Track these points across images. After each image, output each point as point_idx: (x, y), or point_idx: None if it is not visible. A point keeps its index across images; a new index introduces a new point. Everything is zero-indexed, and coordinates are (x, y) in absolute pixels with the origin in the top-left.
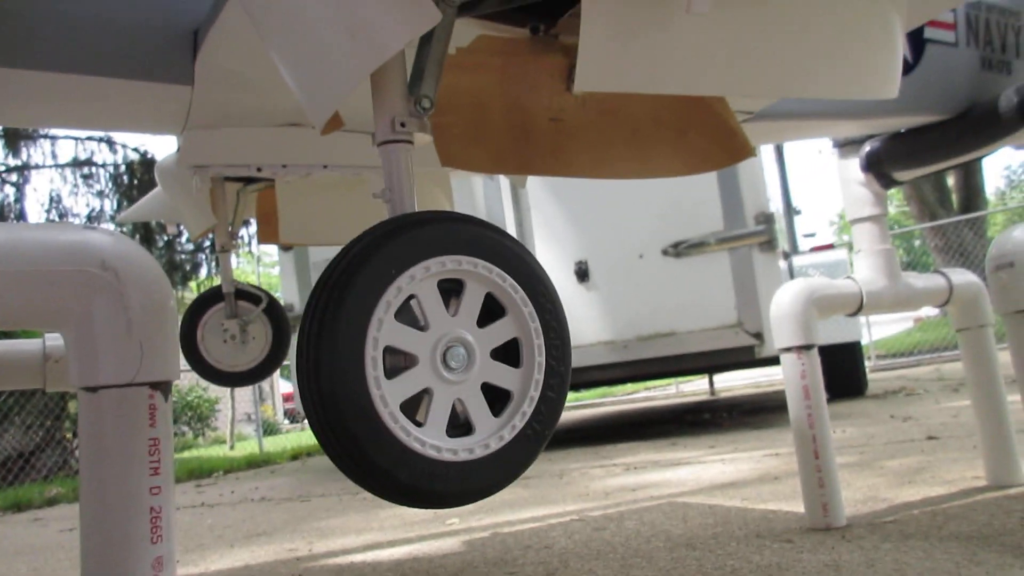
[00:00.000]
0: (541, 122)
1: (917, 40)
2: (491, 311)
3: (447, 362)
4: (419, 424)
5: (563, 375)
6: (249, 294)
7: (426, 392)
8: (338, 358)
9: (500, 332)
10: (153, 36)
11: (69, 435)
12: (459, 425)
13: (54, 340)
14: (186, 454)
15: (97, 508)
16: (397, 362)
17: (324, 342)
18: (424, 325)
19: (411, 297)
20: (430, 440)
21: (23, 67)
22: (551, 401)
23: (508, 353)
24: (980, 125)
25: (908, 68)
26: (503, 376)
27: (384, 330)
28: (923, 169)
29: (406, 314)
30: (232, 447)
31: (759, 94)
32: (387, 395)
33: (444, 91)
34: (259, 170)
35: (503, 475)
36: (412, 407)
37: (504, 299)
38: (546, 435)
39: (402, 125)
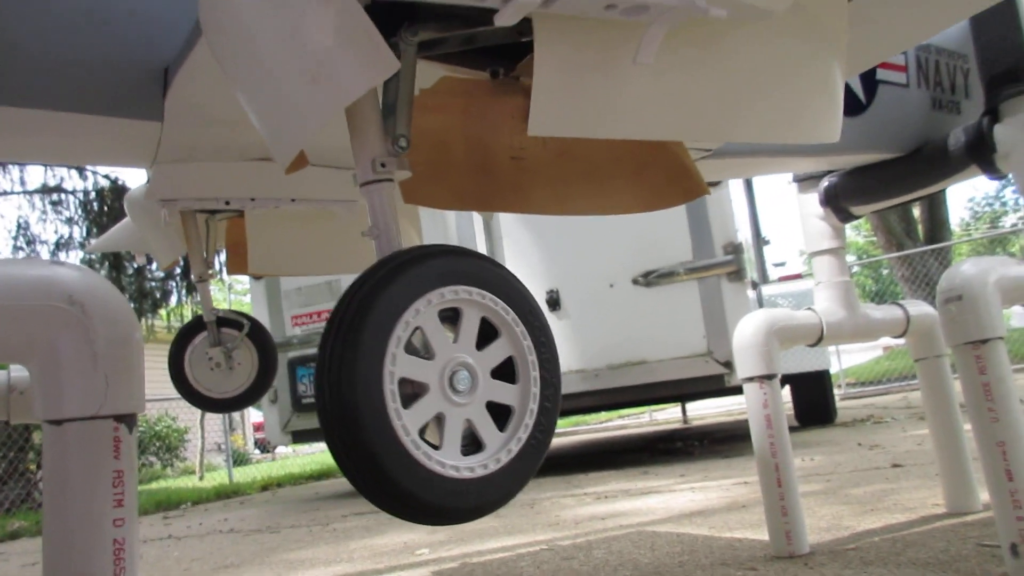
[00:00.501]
0: (502, 160)
1: (870, 81)
2: (485, 334)
3: (454, 386)
4: (435, 447)
5: (556, 386)
6: (231, 321)
7: (439, 416)
8: (360, 395)
9: (497, 352)
10: (124, 73)
11: (33, 467)
12: (468, 443)
13: (18, 372)
14: (154, 485)
15: (60, 540)
16: (407, 391)
17: (344, 380)
18: (430, 354)
19: (416, 329)
20: (449, 461)
21: None
22: (548, 411)
23: (504, 372)
24: (931, 163)
25: (862, 108)
26: (504, 393)
27: (398, 364)
28: (879, 204)
29: (411, 345)
30: (201, 478)
31: (704, 138)
32: (407, 424)
33: None
34: (228, 203)
35: (514, 486)
36: (423, 430)
37: (497, 322)
38: (547, 444)
39: (382, 165)
